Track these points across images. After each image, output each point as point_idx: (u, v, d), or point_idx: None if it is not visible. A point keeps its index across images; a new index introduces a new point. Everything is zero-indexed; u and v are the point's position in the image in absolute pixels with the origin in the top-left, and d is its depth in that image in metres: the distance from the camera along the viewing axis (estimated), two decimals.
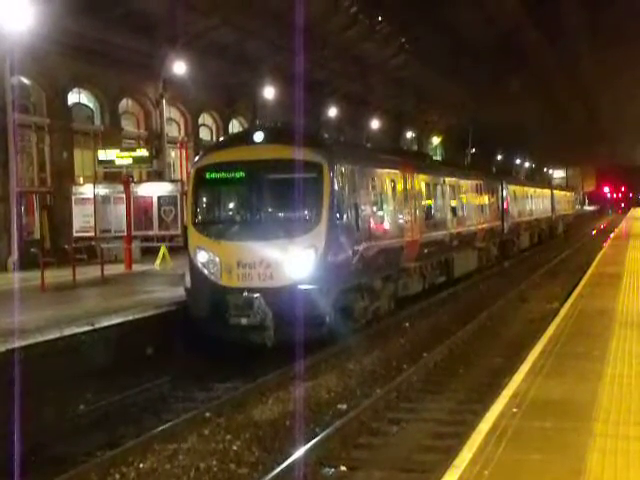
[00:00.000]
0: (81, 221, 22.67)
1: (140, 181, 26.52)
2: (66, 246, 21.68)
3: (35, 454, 9.67)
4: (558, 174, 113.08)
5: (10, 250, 23.11)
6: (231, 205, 15.23)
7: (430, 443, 9.59)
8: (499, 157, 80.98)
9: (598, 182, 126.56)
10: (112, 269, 21.03)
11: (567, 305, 14.74)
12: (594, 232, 58.76)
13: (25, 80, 25.69)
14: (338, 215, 14.02)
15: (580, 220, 73.83)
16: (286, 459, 8.85)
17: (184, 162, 35.06)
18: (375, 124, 51.22)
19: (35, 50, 23.81)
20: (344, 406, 11.21)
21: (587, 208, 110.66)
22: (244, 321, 13.35)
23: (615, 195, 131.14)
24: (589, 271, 21.41)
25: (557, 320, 12.84)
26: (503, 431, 6.78)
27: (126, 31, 27.54)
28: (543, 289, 23.51)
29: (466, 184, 25.36)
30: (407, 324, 17.50)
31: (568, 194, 65.14)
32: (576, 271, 25.19)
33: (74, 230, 22.85)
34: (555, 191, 53.42)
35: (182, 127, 35.61)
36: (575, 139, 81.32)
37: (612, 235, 43.04)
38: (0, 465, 9.19)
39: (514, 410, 7.40)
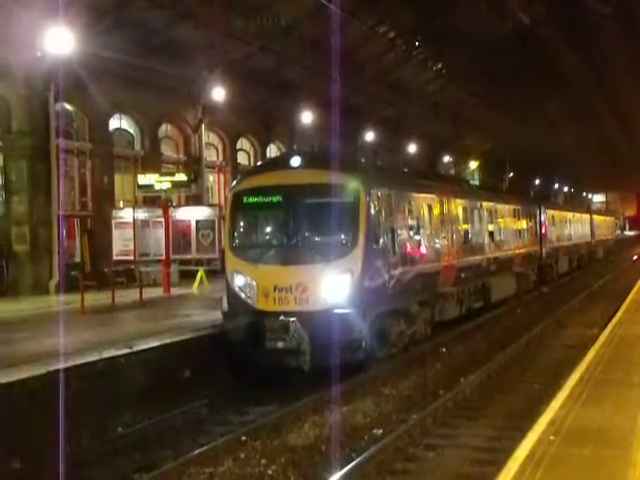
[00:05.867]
0: (121, 245, 22.96)
1: (179, 205, 26.82)
2: (106, 269, 21.98)
3: (73, 475, 9.76)
4: (597, 198, 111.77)
5: (52, 273, 23.49)
6: (268, 229, 15.33)
7: (466, 470, 9.50)
8: (537, 181, 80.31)
9: (639, 207, 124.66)
10: (151, 292, 21.25)
11: (606, 331, 14.55)
12: (635, 257, 57.87)
13: (68, 106, 26.24)
14: (374, 239, 14.05)
15: (620, 245, 72.79)
16: None
17: (222, 186, 35.37)
18: (412, 148, 51.22)
19: (78, 77, 24.33)
20: (380, 431, 11.17)
21: (627, 233, 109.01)
22: (280, 345, 13.40)
23: None
24: (629, 297, 21.12)
25: (596, 346, 12.68)
26: (540, 458, 6.71)
27: (166, 58, 28.00)
28: (582, 315, 23.22)
29: (503, 208, 25.24)
30: (444, 349, 17.40)
31: (608, 219, 64.37)
32: (616, 297, 24.83)
33: (114, 254, 23.14)
34: (594, 216, 52.85)
35: (220, 152, 36.00)
36: (615, 163, 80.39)
37: None
38: None
39: (551, 437, 7.32)
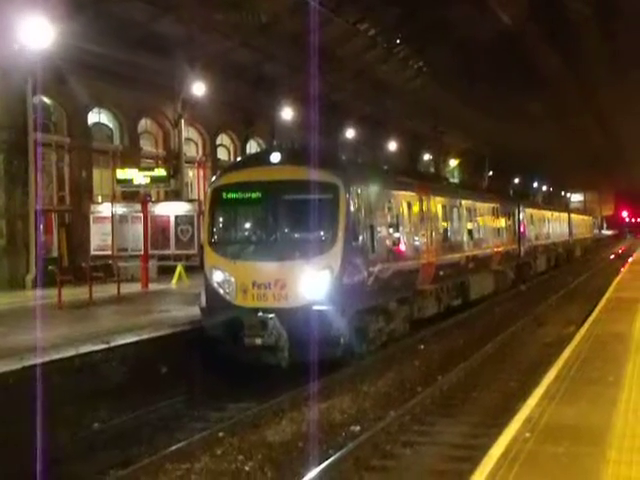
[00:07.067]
0: (99, 240, 22.81)
1: (158, 200, 26.70)
2: (83, 264, 21.84)
3: (50, 471, 9.70)
4: (576, 198, 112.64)
5: (28, 268, 23.30)
6: (247, 225, 15.28)
7: (443, 467, 9.55)
8: (516, 180, 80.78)
9: (616, 206, 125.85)
10: (129, 288, 21.13)
11: (583, 329, 14.65)
12: (612, 256, 58.40)
13: (46, 100, 26.02)
14: (354, 236, 14.06)
15: (598, 244, 73.45)
16: None
17: (202, 182, 35.27)
18: (392, 146, 51.33)
19: (57, 70, 24.12)
20: (357, 428, 11.19)
21: (605, 232, 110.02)
22: (258, 341, 13.37)
23: (633, 219, 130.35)
24: (606, 295, 21.28)
25: (573, 344, 12.77)
26: (516, 456, 6.75)
27: (146, 52, 27.85)
28: (559, 313, 23.38)
29: (483, 207, 25.35)
30: (422, 346, 17.46)
31: (586, 218, 64.89)
32: (593, 295, 25.03)
33: (92, 248, 22.99)
34: (573, 215, 53.27)
35: (200, 147, 35.88)
36: (593, 163, 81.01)
37: (630, 260, 42.76)
38: None
39: (527, 435, 7.36)
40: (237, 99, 34.42)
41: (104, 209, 23.23)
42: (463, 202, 22.82)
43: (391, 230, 16.34)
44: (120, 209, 22.93)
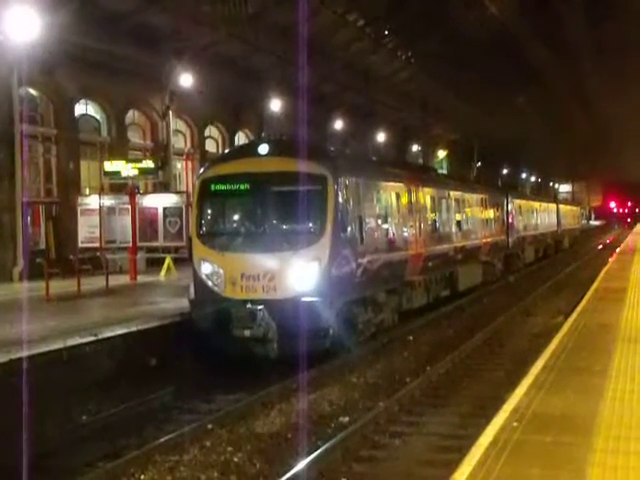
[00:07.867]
0: (86, 232, 22.74)
1: (146, 192, 26.60)
2: (71, 256, 21.75)
3: (37, 463, 9.66)
4: (564, 188, 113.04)
5: (16, 260, 23.19)
6: (235, 217, 15.26)
7: (431, 456, 9.58)
8: (505, 171, 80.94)
9: (604, 197, 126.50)
10: (117, 280, 21.08)
11: (571, 319, 14.71)
12: (600, 247, 58.64)
13: (33, 91, 25.85)
14: (342, 227, 14.06)
15: (586, 234, 73.74)
16: (287, 471, 8.85)
17: (190, 174, 35.16)
18: (381, 137, 51.31)
19: (43, 62, 23.96)
20: (346, 419, 11.21)
21: (593, 223, 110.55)
22: (247, 333, 13.38)
23: (621, 210, 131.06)
24: (594, 286, 21.36)
25: (560, 334, 12.81)
26: (503, 445, 6.77)
27: (133, 43, 27.71)
28: (548, 303, 23.48)
29: (471, 198, 25.38)
30: (411, 337, 17.49)
31: (574, 208, 65.10)
32: (581, 285, 25.16)
33: (79, 241, 22.92)
34: (561, 205, 53.43)
35: (188, 139, 35.73)
36: (581, 154, 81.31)
37: (618, 250, 42.95)
38: (4, 474, 9.22)
39: (515, 424, 7.39)
40: (225, 90, 34.28)
41: (92, 201, 23.14)
42: (452, 193, 22.85)
43: (380, 221, 16.35)
44: (108, 201, 22.86)
